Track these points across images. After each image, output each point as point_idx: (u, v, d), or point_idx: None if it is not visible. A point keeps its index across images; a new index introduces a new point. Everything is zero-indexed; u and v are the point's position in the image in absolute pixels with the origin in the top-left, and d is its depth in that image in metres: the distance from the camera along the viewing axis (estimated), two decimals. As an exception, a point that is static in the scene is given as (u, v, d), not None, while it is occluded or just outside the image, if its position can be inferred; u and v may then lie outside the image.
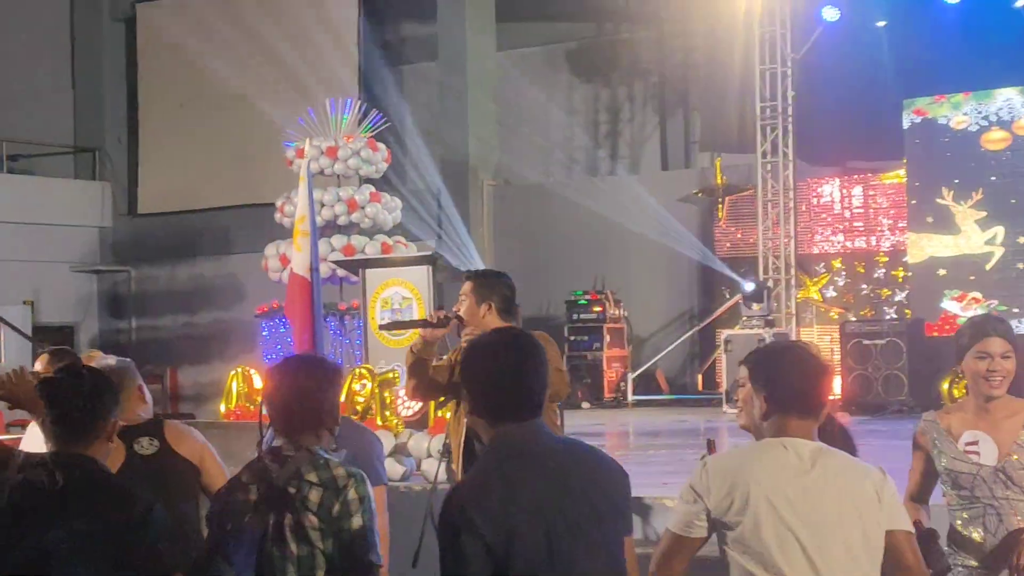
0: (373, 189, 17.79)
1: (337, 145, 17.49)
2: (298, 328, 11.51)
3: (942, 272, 18.04)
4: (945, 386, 16.40)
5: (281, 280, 16.61)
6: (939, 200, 18.02)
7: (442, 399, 8.59)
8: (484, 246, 21.35)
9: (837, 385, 18.00)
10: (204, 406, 21.31)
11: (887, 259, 19.24)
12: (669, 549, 4.24)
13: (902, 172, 18.76)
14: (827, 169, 19.83)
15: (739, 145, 20.41)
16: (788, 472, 4.09)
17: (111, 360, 5.88)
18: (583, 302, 20.23)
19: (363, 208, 17.39)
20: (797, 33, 19.18)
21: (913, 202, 18.45)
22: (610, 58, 22.20)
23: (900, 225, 18.94)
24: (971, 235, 17.88)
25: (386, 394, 11.26)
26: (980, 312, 4.81)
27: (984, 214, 17.77)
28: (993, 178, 17.78)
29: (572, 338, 19.84)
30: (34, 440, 5.32)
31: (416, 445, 10.83)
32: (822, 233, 19.80)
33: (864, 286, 19.46)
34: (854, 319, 18.75)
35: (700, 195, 20.75)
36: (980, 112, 17.92)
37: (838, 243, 19.69)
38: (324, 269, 15.11)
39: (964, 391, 15.12)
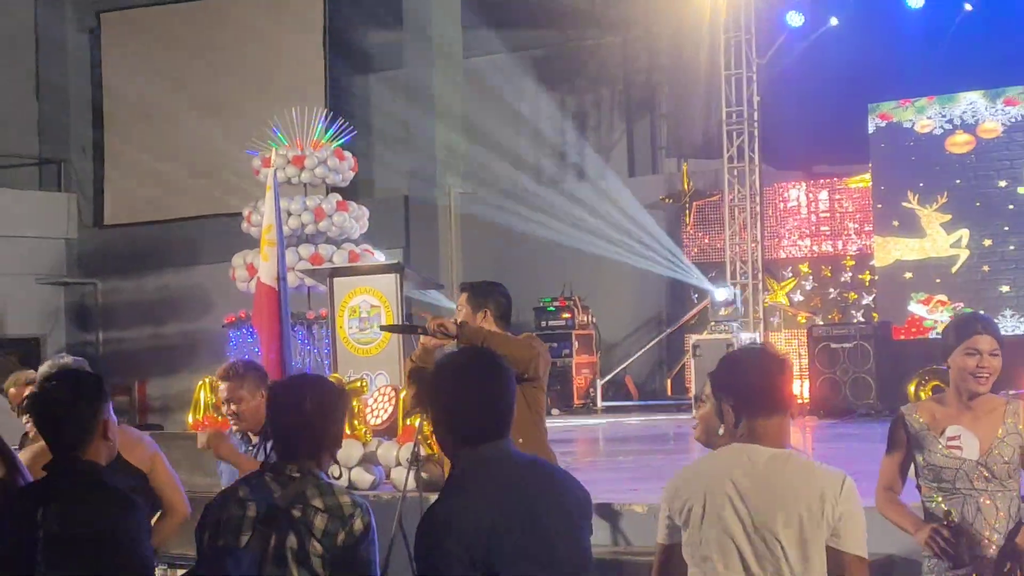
0: (340, 198, 17.76)
1: (304, 154, 17.45)
2: (266, 337, 11.48)
3: (908, 275, 18.13)
4: (912, 388, 16.51)
5: (249, 290, 16.55)
6: (905, 204, 18.10)
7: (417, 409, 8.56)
8: (452, 253, 21.35)
9: (805, 389, 18.08)
10: (172, 417, 21.24)
11: (854, 263, 19.32)
12: (659, 560, 4.31)
13: (867, 176, 18.85)
14: (793, 174, 19.90)
15: (705, 150, 20.48)
16: (736, 478, 4.13)
17: (68, 359, 5.87)
18: (551, 309, 20.23)
19: (330, 217, 17.35)
20: (762, 38, 19.25)
21: (879, 206, 18.52)
22: (576, 65, 22.24)
23: (867, 229, 19.03)
24: (937, 238, 17.96)
25: (354, 403, 11.22)
26: (965, 312, 4.89)
27: (949, 217, 17.86)
28: (958, 181, 17.87)
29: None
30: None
31: (385, 454, 10.80)
32: (789, 237, 19.87)
33: (831, 290, 19.53)
34: (821, 323, 18.83)
35: (667, 201, 20.80)
36: (944, 116, 18.02)
37: (805, 247, 19.76)
38: (292, 278, 15.07)
39: (931, 393, 15.27)
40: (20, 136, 24.96)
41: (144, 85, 24.17)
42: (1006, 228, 17.59)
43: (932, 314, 17.80)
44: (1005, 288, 17.54)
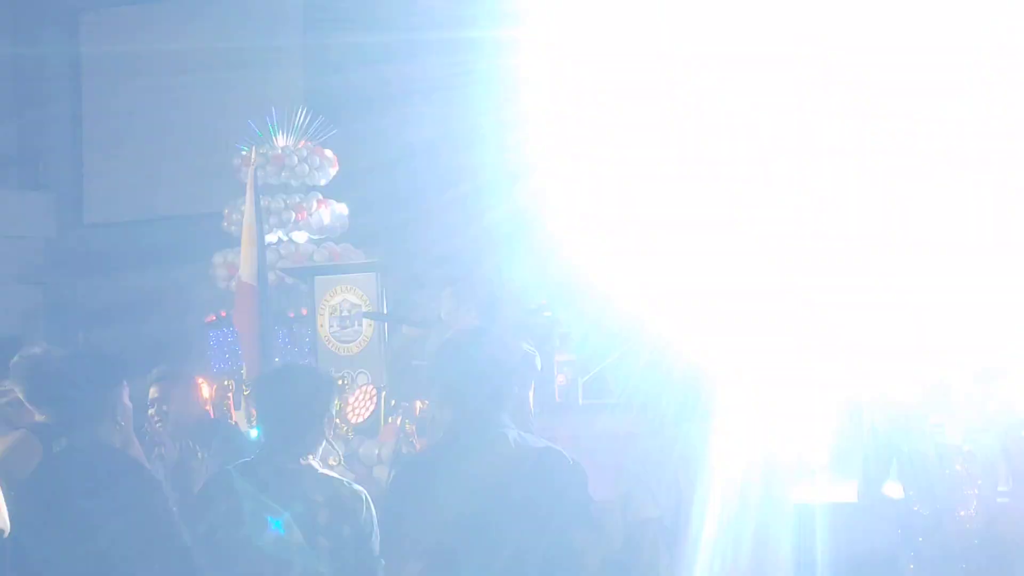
0: (320, 196, 17.73)
1: (283, 153, 17.43)
2: (247, 336, 11.48)
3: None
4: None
5: (229, 289, 16.53)
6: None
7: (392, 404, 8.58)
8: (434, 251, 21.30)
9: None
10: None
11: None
12: None
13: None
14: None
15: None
16: None
17: (36, 350, 5.79)
18: (533, 305, 20.18)
19: (311, 215, 17.33)
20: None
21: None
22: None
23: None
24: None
25: (336, 401, 11.21)
26: None
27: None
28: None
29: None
30: None
31: (366, 452, 10.79)
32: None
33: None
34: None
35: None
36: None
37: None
38: (272, 277, 15.06)
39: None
40: (-2, 135, 24.86)
41: (123, 83, 24.08)
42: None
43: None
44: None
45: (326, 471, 4.31)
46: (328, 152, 17.84)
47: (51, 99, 25.41)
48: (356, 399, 11.54)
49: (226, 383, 12.24)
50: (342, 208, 17.90)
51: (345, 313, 13.60)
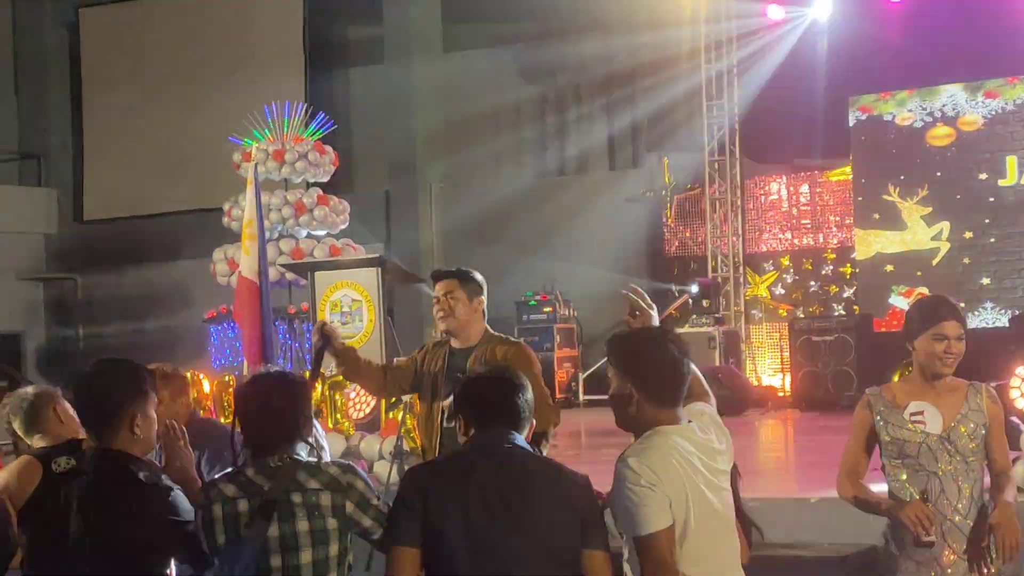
0: (321, 192, 17.74)
1: (284, 148, 17.43)
2: (247, 332, 11.46)
3: (889, 268, 18.17)
4: (896, 379, 16.50)
5: (230, 284, 16.54)
6: (886, 196, 18.14)
7: (392, 401, 8.59)
8: (433, 248, 21.33)
9: (787, 382, 18.10)
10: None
11: (835, 256, 19.34)
12: (667, 545, 4.16)
13: (848, 169, 18.87)
14: (774, 167, 19.91)
15: (686, 144, 20.45)
16: (697, 467, 4.25)
17: (29, 391, 6.00)
18: (533, 303, 20.21)
19: (311, 211, 17.34)
20: (743, 32, 19.25)
21: (859, 199, 18.56)
22: (556, 59, 22.18)
23: (847, 222, 19.05)
24: (917, 231, 18.01)
25: (337, 396, 11.22)
26: (929, 297, 5.04)
27: (929, 210, 17.91)
28: (938, 174, 17.92)
29: (522, 339, 19.80)
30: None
31: (368, 447, 10.80)
32: (770, 231, 19.89)
33: (813, 283, 19.55)
34: (803, 316, 18.84)
35: (648, 194, 20.79)
36: (925, 109, 18.06)
37: (785, 240, 19.78)
38: (273, 273, 15.05)
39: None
40: (-1, 131, 24.87)
41: (123, 79, 24.09)
42: (986, 221, 17.64)
43: (913, 307, 17.81)
44: (985, 280, 17.59)
45: (310, 459, 4.43)
46: (328, 148, 17.85)
47: (51, 97, 25.43)
48: (357, 395, 11.54)
49: (226, 379, 12.24)
50: (343, 204, 17.91)
51: (346, 308, 13.59)
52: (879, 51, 17.84)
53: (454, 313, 6.61)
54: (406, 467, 9.14)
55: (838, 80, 18.21)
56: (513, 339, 6.87)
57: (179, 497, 4.59)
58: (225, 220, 17.69)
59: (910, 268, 18.01)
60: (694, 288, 18.75)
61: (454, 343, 6.69)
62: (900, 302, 17.95)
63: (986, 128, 17.71)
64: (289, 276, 16.45)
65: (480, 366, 6.09)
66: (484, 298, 6.79)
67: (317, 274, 14.12)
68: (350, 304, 13.62)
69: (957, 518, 5.23)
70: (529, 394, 4.46)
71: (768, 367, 19.28)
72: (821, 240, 19.50)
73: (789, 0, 18.76)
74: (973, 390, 5.35)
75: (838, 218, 19.31)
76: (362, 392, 11.72)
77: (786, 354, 18.18)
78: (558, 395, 19.75)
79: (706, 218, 19.60)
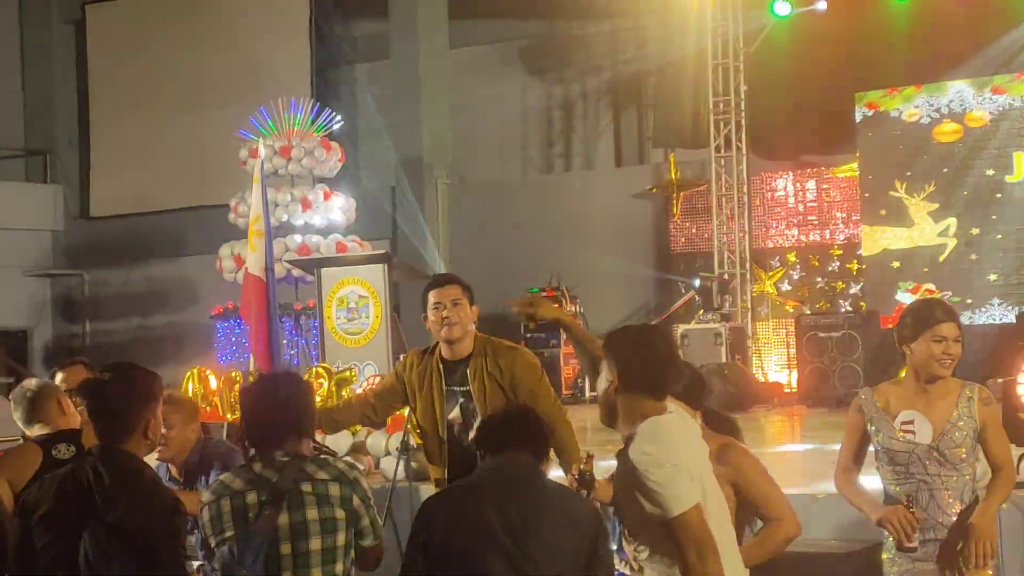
0: (327, 188, 17.75)
1: (290, 145, 17.45)
2: (254, 328, 11.47)
3: (896, 264, 18.14)
4: (903, 376, 16.50)
5: (236, 281, 16.54)
6: (892, 193, 18.12)
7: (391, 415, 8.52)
8: (440, 244, 21.32)
9: (793, 378, 18.10)
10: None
11: (841, 252, 19.32)
12: (702, 520, 4.19)
13: (855, 165, 18.85)
14: (780, 163, 19.89)
15: (693, 140, 20.44)
16: (702, 450, 4.45)
17: (32, 383, 6.16)
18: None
19: (317, 207, 17.34)
20: (749, 27, 19.22)
21: (866, 195, 18.54)
22: (563, 55, 22.19)
23: (854, 218, 19.03)
24: (924, 227, 17.99)
25: (343, 392, 11.22)
26: (923, 299, 5.10)
27: (937, 206, 17.88)
28: (945, 170, 17.90)
29: (528, 335, 19.74)
30: None
31: (374, 443, 10.79)
32: (776, 227, 19.87)
33: (819, 279, 19.53)
34: (809, 312, 18.81)
35: (654, 191, 20.78)
36: (932, 105, 18.03)
37: (792, 237, 19.76)
38: (279, 269, 15.06)
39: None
40: (6, 128, 24.87)
41: (130, 76, 24.11)
42: (993, 217, 17.61)
43: (920, 303, 17.79)
44: (993, 277, 17.56)
45: (316, 455, 4.54)
46: (334, 144, 17.85)
47: (58, 93, 25.44)
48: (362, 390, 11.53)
49: (233, 375, 12.24)
50: (349, 200, 17.91)
51: (352, 304, 13.59)
52: (886, 47, 17.82)
53: (461, 322, 6.38)
54: (412, 463, 9.15)
55: (844, 76, 18.20)
56: (509, 344, 6.57)
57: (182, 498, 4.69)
58: (231, 216, 17.70)
59: (917, 264, 17.98)
60: (696, 282, 18.74)
61: (444, 353, 6.46)
62: (907, 298, 17.92)
63: (993, 124, 17.68)
64: (295, 272, 16.45)
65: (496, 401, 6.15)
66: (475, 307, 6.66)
67: (323, 270, 14.11)
68: (356, 300, 13.61)
69: (950, 523, 5.27)
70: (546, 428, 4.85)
71: (774, 363, 19.27)
72: (828, 236, 19.48)
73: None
74: (966, 394, 5.36)
75: (845, 214, 19.29)
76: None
77: (792, 350, 18.17)
78: (564, 391, 19.74)
79: (712, 214, 19.57)
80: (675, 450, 4.20)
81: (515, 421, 4.67)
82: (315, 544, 4.38)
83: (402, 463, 9.19)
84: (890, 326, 17.75)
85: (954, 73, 17.82)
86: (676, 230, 20.61)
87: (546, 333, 19.69)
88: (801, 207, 19.71)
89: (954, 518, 5.26)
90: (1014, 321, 16.61)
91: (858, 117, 18.48)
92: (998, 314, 17.29)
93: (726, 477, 4.84)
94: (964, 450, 5.27)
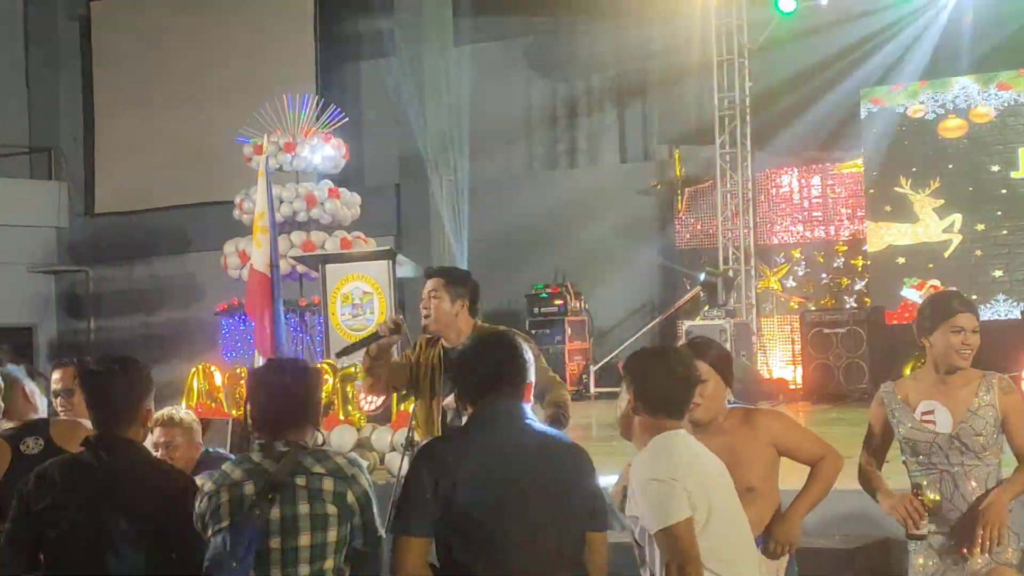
0: (332, 185, 17.73)
1: (295, 141, 17.43)
2: (259, 325, 11.48)
3: (901, 260, 18.13)
4: (908, 371, 16.50)
5: (241, 277, 16.54)
6: (897, 189, 18.10)
7: (403, 393, 8.59)
8: (443, 241, 21.31)
9: (798, 374, 18.09)
10: (165, 405, 21.15)
11: (846, 248, 19.30)
12: (688, 535, 4.31)
13: (860, 161, 18.83)
14: (785, 159, 19.87)
15: (697, 137, 20.42)
16: (711, 466, 4.52)
17: (7, 367, 6.16)
18: (544, 295, 20.19)
19: (322, 204, 17.33)
20: (754, 23, 19.20)
21: (871, 191, 18.52)
22: (567, 52, 22.18)
23: (859, 214, 19.02)
24: (929, 223, 17.96)
25: (348, 389, 11.23)
26: (941, 291, 5.14)
27: (942, 202, 17.86)
28: (950, 166, 17.88)
29: (533, 331, 19.78)
30: None
31: (379, 439, 10.81)
32: (781, 223, 19.85)
33: (824, 275, 19.52)
34: (814, 308, 18.81)
35: (659, 187, 20.77)
36: (936, 101, 18.01)
37: (797, 233, 19.74)
38: (284, 265, 15.06)
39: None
40: (10, 124, 24.87)
41: (134, 73, 24.11)
42: (999, 212, 17.60)
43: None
44: (998, 273, 17.54)
45: (318, 447, 4.49)
46: (339, 141, 17.84)
47: (62, 90, 25.45)
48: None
49: (238, 371, 12.25)
50: (354, 197, 17.90)
51: (357, 301, 13.59)
52: (890, 43, 17.81)
53: (433, 313, 6.64)
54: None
55: (849, 72, 18.20)
56: (503, 329, 6.61)
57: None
58: (236, 213, 17.69)
59: (922, 260, 17.97)
60: (701, 277, 18.75)
61: (444, 341, 6.70)
62: (912, 294, 17.92)
63: (998, 120, 17.65)
64: (300, 269, 16.45)
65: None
66: (469, 300, 6.71)
67: (328, 267, 14.12)
68: (361, 296, 13.62)
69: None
70: (523, 354, 4.58)
71: (779, 359, 19.26)
72: (832, 232, 19.47)
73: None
74: (986, 383, 5.38)
75: (849, 210, 19.28)
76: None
77: (797, 346, 18.17)
78: (569, 388, 19.71)
79: (717, 211, 19.56)
80: (675, 465, 4.37)
81: (494, 357, 4.53)
82: (304, 540, 4.31)
83: (406, 459, 9.18)
84: (894, 322, 17.77)
85: (959, 69, 17.80)
86: (681, 226, 20.61)
87: (550, 329, 19.71)
88: (806, 203, 19.71)
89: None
90: (1019, 317, 16.59)
91: (863, 113, 18.46)
92: (1003, 310, 17.27)
93: (764, 440, 5.17)
94: (985, 438, 5.29)
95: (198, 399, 12.30)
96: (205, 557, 4.41)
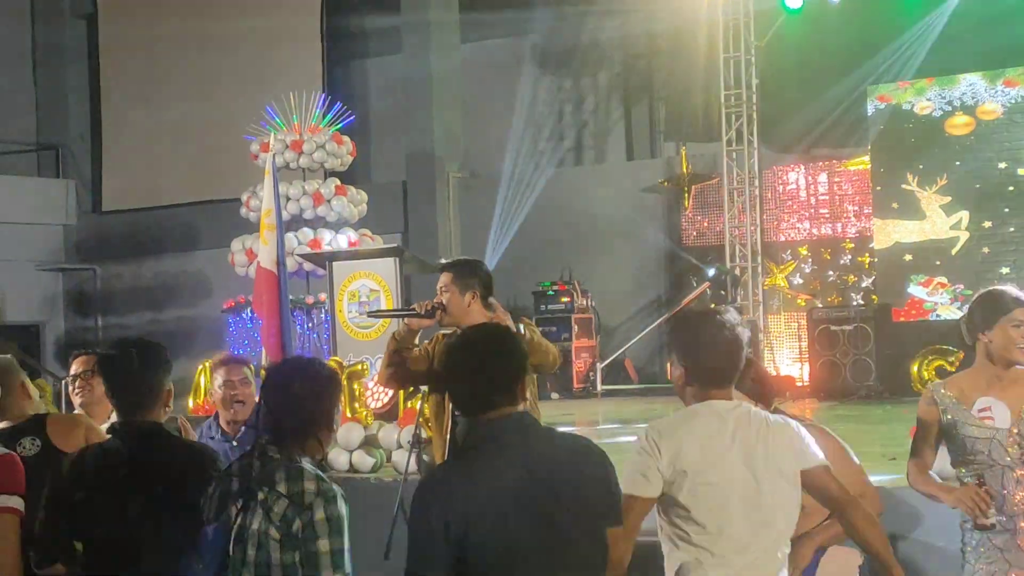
0: (339, 182, 17.73)
1: (302, 139, 17.43)
2: (266, 322, 11.49)
3: (908, 257, 18.11)
4: (915, 369, 16.53)
5: (248, 275, 16.55)
6: (904, 186, 18.08)
7: (413, 387, 8.58)
8: (451, 238, 21.33)
9: (805, 371, 18.09)
10: (172, 402, 21.19)
11: (853, 245, 19.29)
12: (637, 515, 4.29)
13: (866, 158, 18.82)
14: (792, 156, 19.86)
15: (704, 134, 20.43)
16: (716, 438, 4.33)
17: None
18: (551, 293, 20.19)
19: (329, 201, 17.33)
20: (760, 20, 19.19)
21: (878, 188, 18.50)
22: (574, 49, 22.18)
23: (866, 211, 19.00)
24: (936, 220, 17.94)
25: (355, 386, 11.22)
26: (993, 288, 5.10)
27: (949, 199, 17.84)
28: (957, 163, 17.85)
29: (540, 329, 19.77)
30: None
31: (386, 436, 10.80)
32: (788, 220, 19.84)
33: (830, 273, 19.51)
34: (821, 306, 18.80)
35: (666, 184, 20.76)
36: (943, 97, 17.98)
37: (804, 230, 19.73)
38: (291, 263, 15.07)
39: (934, 373, 15.19)
40: (18, 122, 24.91)
41: (141, 71, 24.14)
42: (1006, 209, 17.57)
43: (932, 296, 17.80)
44: (1005, 270, 17.51)
45: (307, 466, 4.24)
46: (346, 139, 17.84)
47: (69, 88, 25.49)
48: (376, 384, 11.53)
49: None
50: (360, 194, 17.91)
51: (363, 299, 13.58)
52: (898, 39, 17.79)
53: (446, 308, 6.69)
54: (424, 456, 9.15)
55: (856, 68, 18.18)
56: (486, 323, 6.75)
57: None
58: (243, 210, 17.70)
59: (929, 257, 17.95)
60: (711, 271, 18.74)
61: None
62: (919, 292, 17.91)
63: (1005, 117, 17.63)
64: (307, 266, 16.45)
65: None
66: (480, 289, 6.74)
67: (335, 264, 14.11)
68: (368, 294, 13.61)
69: None
70: (508, 352, 4.18)
71: (786, 357, 19.25)
72: (839, 230, 19.45)
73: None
74: None
75: (856, 208, 19.26)
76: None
77: (804, 344, 18.17)
78: (576, 386, 19.74)
79: (724, 208, 19.56)
80: (661, 440, 4.31)
81: (476, 357, 4.12)
82: (251, 554, 4.18)
83: (413, 456, 9.19)
84: (901, 319, 17.77)
85: (966, 66, 17.77)
86: (687, 224, 20.60)
87: (557, 326, 19.70)
88: (813, 200, 19.69)
89: None
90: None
91: (870, 110, 18.44)
92: (1011, 307, 17.24)
93: None
94: None
95: (205, 396, 12.31)
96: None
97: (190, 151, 23.33)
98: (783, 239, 19.85)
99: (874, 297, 18.72)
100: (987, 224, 17.64)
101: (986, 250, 17.65)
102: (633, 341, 20.31)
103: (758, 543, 4.31)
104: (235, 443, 6.60)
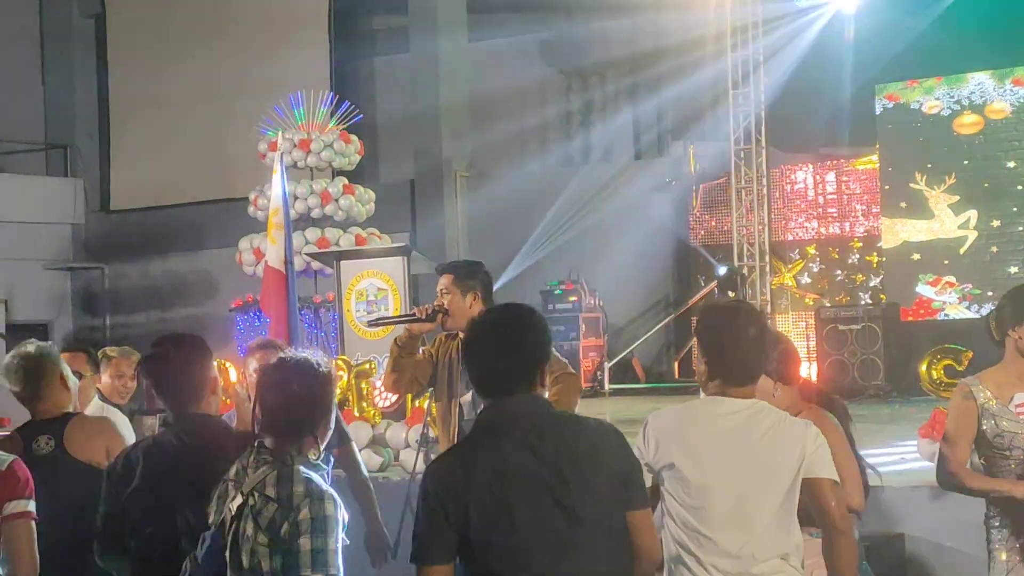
0: (346, 181, 17.75)
1: (310, 138, 17.45)
2: (273, 321, 11.48)
3: (916, 257, 18.10)
4: (924, 368, 16.51)
5: (256, 274, 16.56)
6: (912, 185, 18.07)
7: (416, 391, 8.53)
8: (458, 237, 21.32)
9: (813, 371, 18.06)
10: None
11: (861, 245, 19.27)
12: None
13: (875, 157, 18.81)
14: (800, 156, 19.84)
15: (712, 133, 20.40)
16: (715, 427, 4.32)
17: (30, 347, 5.57)
18: (558, 292, 20.19)
19: (337, 200, 17.35)
20: (769, 19, 19.17)
21: (886, 187, 18.49)
22: (582, 47, 22.17)
23: (874, 210, 18.98)
24: (945, 219, 17.93)
25: (363, 385, 11.24)
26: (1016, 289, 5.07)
27: (957, 198, 17.82)
28: (966, 162, 17.84)
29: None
30: None
31: (394, 435, 10.81)
32: (796, 220, 19.83)
33: (838, 272, 19.49)
34: (829, 305, 18.79)
35: (673, 184, 20.75)
36: (952, 96, 17.97)
37: (812, 229, 19.71)
38: (298, 262, 15.07)
39: (942, 372, 15.21)
40: (26, 122, 24.91)
41: (149, 70, 24.14)
42: (1014, 209, 17.56)
43: (940, 295, 17.79)
44: (1014, 269, 17.50)
45: (301, 468, 4.16)
46: (353, 137, 17.85)
47: (78, 87, 25.50)
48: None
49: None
50: (368, 193, 17.92)
51: (371, 297, 13.60)
52: (906, 38, 17.77)
53: (447, 310, 6.60)
54: (432, 455, 9.15)
55: (864, 68, 18.15)
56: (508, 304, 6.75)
57: None
58: (251, 209, 17.72)
59: (937, 257, 17.93)
60: (721, 270, 18.74)
61: (463, 336, 6.65)
62: (927, 291, 17.90)
63: (1014, 116, 17.62)
64: (315, 265, 16.47)
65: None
66: (481, 290, 6.69)
67: (343, 263, 14.13)
68: (375, 293, 13.63)
69: None
70: (528, 331, 4.09)
71: (794, 356, 19.21)
72: (847, 229, 19.43)
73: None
74: None
75: (865, 207, 19.24)
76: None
77: (812, 343, 18.14)
78: (584, 385, 19.72)
79: (732, 207, 19.54)
80: (648, 432, 4.35)
81: (503, 341, 4.03)
82: (243, 560, 4.09)
83: (421, 455, 9.19)
84: (909, 318, 17.75)
85: (975, 65, 17.75)
86: (695, 223, 20.59)
87: (564, 326, 19.70)
88: (821, 199, 19.67)
89: None
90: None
91: (878, 109, 18.43)
92: (1019, 306, 17.22)
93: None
94: None
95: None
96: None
97: (198, 150, 23.33)
98: (791, 238, 19.84)
99: (882, 296, 18.71)
100: (996, 223, 17.63)
101: (995, 249, 17.64)
102: (641, 340, 20.32)
103: (743, 548, 4.25)
104: None
